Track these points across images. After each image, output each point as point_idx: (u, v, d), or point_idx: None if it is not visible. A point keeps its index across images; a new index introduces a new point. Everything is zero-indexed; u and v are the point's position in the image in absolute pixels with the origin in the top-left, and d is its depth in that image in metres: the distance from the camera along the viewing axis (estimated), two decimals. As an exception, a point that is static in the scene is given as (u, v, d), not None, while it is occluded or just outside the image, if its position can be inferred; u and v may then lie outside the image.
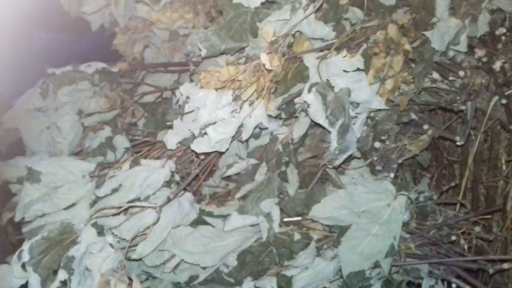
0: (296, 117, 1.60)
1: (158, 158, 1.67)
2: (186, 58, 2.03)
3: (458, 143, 1.63)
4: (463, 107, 1.55)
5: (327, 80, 1.36)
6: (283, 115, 1.62)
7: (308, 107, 1.31)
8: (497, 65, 1.56)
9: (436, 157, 2.15)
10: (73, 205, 1.61)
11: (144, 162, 1.53)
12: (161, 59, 2.15)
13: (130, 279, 1.41)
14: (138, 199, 1.54)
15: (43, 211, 1.59)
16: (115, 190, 1.54)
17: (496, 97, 1.60)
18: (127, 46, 2.22)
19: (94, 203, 1.56)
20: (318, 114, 1.31)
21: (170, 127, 1.45)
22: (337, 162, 1.41)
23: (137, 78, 2.04)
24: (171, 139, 1.43)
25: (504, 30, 1.53)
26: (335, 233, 1.60)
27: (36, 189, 1.60)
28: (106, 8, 2.13)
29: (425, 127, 1.62)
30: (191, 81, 1.71)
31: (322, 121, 1.32)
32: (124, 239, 1.50)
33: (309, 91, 1.31)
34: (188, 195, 1.61)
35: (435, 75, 1.57)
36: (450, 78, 1.59)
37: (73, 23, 2.52)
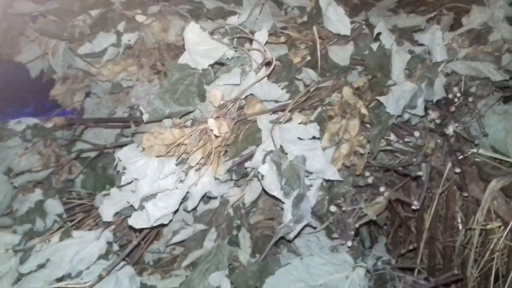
0: (248, 179, 1.50)
1: (95, 225, 1.51)
2: (130, 111, 1.89)
3: (414, 207, 1.57)
4: (419, 173, 1.50)
5: (281, 146, 1.26)
6: (234, 177, 1.51)
7: (262, 178, 1.20)
8: (450, 129, 1.53)
9: (391, 212, 2.10)
10: (-6, 283, 1.40)
11: (76, 234, 1.36)
12: (103, 111, 2.00)
13: None
14: (69, 275, 1.36)
15: (-41, 291, 1.37)
16: (41, 266, 1.36)
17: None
18: (66, 96, 2.05)
19: (17, 280, 1.37)
20: (273, 185, 1.21)
21: (107, 195, 1.30)
22: (292, 235, 1.30)
23: (76, 131, 1.87)
24: (107, 210, 1.28)
25: (458, 94, 1.51)
26: (291, 306, 1.48)
27: (-49, 266, 1.39)
28: (43, 58, 1.98)
29: (382, 189, 1.55)
30: (133, 138, 1.57)
31: (276, 193, 1.22)
32: (53, 320, 1.32)
33: (263, 161, 1.20)
34: (128, 269, 1.44)
35: (391, 136, 1.51)
36: (406, 139, 1.54)
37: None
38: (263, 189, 1.52)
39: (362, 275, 1.40)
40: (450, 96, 1.49)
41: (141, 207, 1.19)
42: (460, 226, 1.77)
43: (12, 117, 1.83)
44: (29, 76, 2.21)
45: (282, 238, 1.61)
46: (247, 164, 1.36)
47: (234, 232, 1.59)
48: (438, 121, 1.51)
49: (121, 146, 1.78)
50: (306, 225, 1.46)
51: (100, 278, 1.27)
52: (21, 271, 1.33)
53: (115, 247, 1.48)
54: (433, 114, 1.46)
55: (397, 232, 2.16)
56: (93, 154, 1.93)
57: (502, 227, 1.43)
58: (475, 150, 1.53)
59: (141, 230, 1.50)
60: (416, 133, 1.53)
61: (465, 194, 1.47)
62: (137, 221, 1.21)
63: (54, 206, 1.56)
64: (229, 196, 1.56)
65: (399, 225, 2.11)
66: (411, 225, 2.06)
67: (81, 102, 2.09)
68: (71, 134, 1.86)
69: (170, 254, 1.70)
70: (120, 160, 1.28)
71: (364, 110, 1.34)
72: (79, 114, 2.14)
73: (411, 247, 1.71)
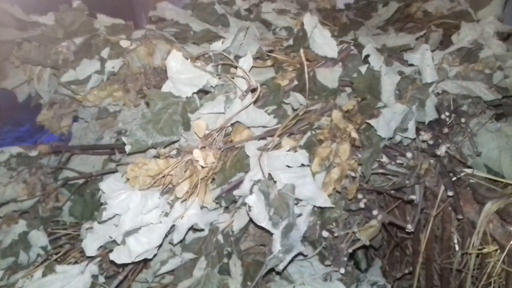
0: (236, 206, 1.46)
1: (81, 256, 1.47)
2: (117, 136, 1.85)
3: (407, 230, 1.53)
4: (412, 197, 1.46)
5: (269, 174, 1.23)
6: (223, 203, 1.47)
7: (250, 209, 1.16)
8: (442, 150, 1.50)
9: (387, 232, 2.05)
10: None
11: (60, 269, 1.31)
12: (90, 136, 1.96)
13: None
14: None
15: None
16: (24, 304, 1.31)
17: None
18: (52, 121, 2.02)
19: (-1, 319, 1.32)
20: (261, 216, 1.17)
21: (90, 229, 1.26)
22: (281, 266, 1.26)
23: (62, 159, 1.83)
24: (90, 244, 1.24)
25: (449, 114, 1.48)
26: (285, 338, 1.44)
27: None
28: (28, 84, 1.95)
29: (375, 212, 1.52)
30: (117, 167, 1.53)
31: (265, 223, 1.18)
32: None
33: (251, 191, 1.17)
34: (114, 304, 1.40)
35: (383, 158, 1.48)
36: (398, 161, 1.50)
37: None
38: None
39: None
40: (442, 116, 1.45)
41: (124, 242, 1.15)
42: (457, 247, 1.73)
43: (8, 135, 1.79)
44: None
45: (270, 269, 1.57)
46: (235, 192, 1.32)
47: (225, 260, 1.55)
48: (430, 142, 1.48)
49: (108, 173, 1.74)
50: (297, 254, 1.42)
51: (84, 317, 1.22)
52: (2, 310, 1.28)
53: (101, 279, 1.43)
54: (426, 136, 1.43)
55: (393, 253, 2.12)
56: (81, 180, 1.88)
57: (498, 251, 1.39)
58: (469, 171, 1.49)
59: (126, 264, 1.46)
60: (409, 154, 1.50)
61: (460, 217, 1.43)
62: (119, 256, 1.16)
63: (39, 238, 1.52)
64: (218, 223, 1.52)
65: (395, 246, 2.06)
66: (407, 246, 2.01)
67: (68, 127, 2.05)
68: (57, 161, 1.81)
69: (159, 283, 1.65)
70: (104, 192, 1.24)
71: (354, 134, 1.31)
72: (66, 138, 2.10)
73: (406, 271, 1.66)
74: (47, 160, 1.82)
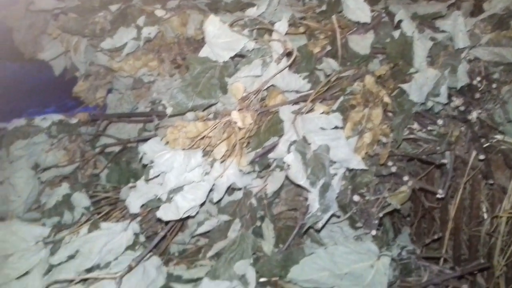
0: (270, 170, 1.50)
1: (121, 217, 1.54)
2: (152, 106, 1.91)
3: (438, 196, 1.56)
4: (444, 161, 1.48)
5: (304, 136, 1.27)
6: (256, 168, 1.52)
7: (288, 167, 1.21)
8: (473, 116, 1.51)
9: (415, 202, 2.08)
10: (25, 274, 1.44)
11: (104, 226, 1.38)
12: (125, 106, 2.03)
13: None
14: (98, 266, 1.39)
15: (-8, 282, 1.42)
16: (71, 257, 1.39)
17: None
18: (88, 93, 2.09)
19: (48, 271, 1.41)
20: (299, 175, 1.21)
21: (134, 187, 1.32)
22: (320, 224, 1.30)
23: (100, 127, 1.90)
24: (133, 202, 1.30)
25: (481, 80, 1.49)
26: (316, 296, 1.49)
27: (-17, 259, 1.43)
28: (65, 55, 2.01)
29: (405, 178, 1.55)
30: (156, 132, 1.59)
31: (303, 182, 1.22)
32: (82, 311, 1.35)
33: (288, 151, 1.21)
34: (155, 260, 1.46)
35: (414, 125, 1.50)
36: (429, 127, 1.52)
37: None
38: (287, 179, 1.53)
39: (387, 264, 1.40)
40: (474, 82, 1.46)
41: (169, 200, 1.21)
42: (486, 216, 1.75)
43: (33, 117, 1.87)
44: (50, 76, 2.25)
45: (306, 228, 1.62)
46: (270, 155, 1.37)
47: (258, 223, 1.60)
48: (461, 108, 1.49)
49: (144, 140, 1.80)
50: (331, 216, 1.46)
51: (130, 268, 1.30)
52: (51, 262, 1.36)
53: (142, 238, 1.50)
54: (457, 101, 1.45)
55: (420, 223, 2.14)
56: (117, 149, 1.95)
57: (529, 215, 1.42)
58: (500, 137, 1.50)
59: (167, 222, 1.52)
60: (439, 121, 1.52)
61: (491, 182, 1.46)
62: (166, 213, 1.22)
63: (81, 199, 1.59)
64: (252, 187, 1.57)
65: (422, 215, 2.09)
66: (435, 215, 2.04)
67: (103, 98, 2.12)
68: (95, 130, 1.89)
69: (195, 245, 1.72)
70: (145, 154, 1.30)
71: (387, 99, 1.33)
72: (101, 110, 2.17)
73: (435, 237, 1.69)
74: (85, 129, 1.89)
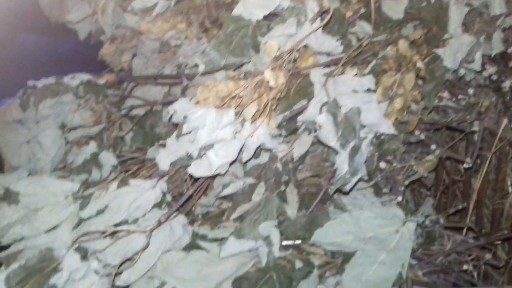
0: (298, 134, 1.51)
1: (148, 177, 1.56)
2: (177, 70, 1.92)
3: (466, 166, 1.55)
4: (475, 128, 1.47)
5: (334, 99, 1.26)
6: (283, 133, 1.52)
7: (320, 128, 1.21)
8: (506, 84, 1.49)
9: (437, 175, 2.07)
10: (54, 228, 1.48)
11: (133, 182, 1.41)
12: (150, 70, 2.03)
13: (117, 309, 1.29)
14: (126, 222, 1.42)
15: (22, 235, 1.45)
16: (100, 212, 1.42)
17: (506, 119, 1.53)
18: (114, 56, 2.10)
19: (77, 225, 1.44)
20: (330, 136, 1.21)
21: (162, 144, 1.33)
22: (348, 187, 1.31)
23: (125, 90, 1.92)
24: (164, 159, 1.32)
25: (516, 48, 1.46)
26: (338, 259, 1.50)
27: (14, 211, 1.46)
28: (92, 16, 2.01)
29: (433, 147, 1.54)
30: (183, 94, 1.60)
31: (333, 143, 1.22)
32: (109, 265, 1.39)
33: (320, 111, 1.21)
34: (181, 218, 1.49)
35: (444, 93, 1.48)
36: (459, 96, 1.51)
37: (59, 25, 2.39)
38: (313, 144, 1.54)
39: (413, 230, 1.40)
40: (508, 51, 1.44)
41: (200, 157, 1.22)
42: (510, 189, 1.75)
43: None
44: (70, 49, 2.27)
45: (333, 192, 1.63)
46: (299, 118, 1.37)
47: (282, 188, 1.61)
48: (494, 77, 1.47)
49: (170, 102, 1.81)
50: (358, 181, 1.46)
51: (159, 223, 1.32)
52: (81, 216, 1.40)
53: (168, 197, 1.52)
54: (491, 69, 1.43)
55: (441, 198, 2.14)
56: (141, 112, 1.97)
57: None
58: (532, 108, 1.49)
59: (193, 182, 1.54)
60: (470, 91, 1.50)
61: (521, 151, 1.44)
62: (197, 169, 1.24)
63: (109, 158, 1.62)
64: (278, 152, 1.58)
65: (445, 188, 2.08)
66: (457, 189, 2.03)
67: (128, 62, 2.13)
68: (121, 92, 1.90)
69: (218, 208, 1.74)
70: (176, 112, 1.31)
71: (420, 64, 1.32)
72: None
73: (460, 207, 1.69)
74: (112, 91, 1.90)
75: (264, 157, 1.58)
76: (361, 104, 1.25)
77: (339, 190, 1.48)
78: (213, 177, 1.58)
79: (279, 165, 1.57)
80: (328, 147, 1.26)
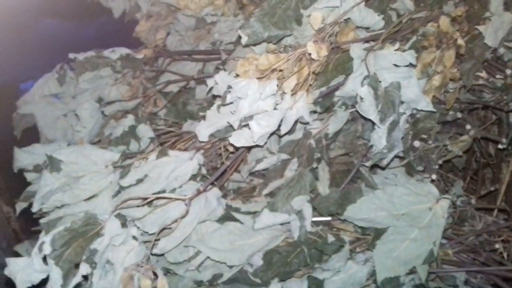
0: (333, 111, 1.52)
1: (185, 149, 1.59)
2: (212, 47, 1.94)
3: (501, 146, 1.55)
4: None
5: (374, 73, 1.27)
6: (318, 109, 1.54)
7: (361, 100, 1.22)
8: (545, 65, 1.48)
9: (468, 159, 2.07)
10: (94, 196, 1.52)
11: (172, 153, 1.44)
12: (184, 48, 2.06)
13: (155, 274, 1.33)
14: (164, 192, 1.46)
15: (63, 202, 1.50)
16: (140, 181, 1.46)
17: (543, 100, 1.52)
18: (149, 34, 2.13)
19: (117, 194, 1.48)
20: (371, 109, 1.22)
21: (195, 118, 1.36)
22: (385, 162, 1.32)
23: (161, 66, 1.95)
24: (203, 130, 1.35)
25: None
26: (368, 236, 1.52)
27: (56, 179, 1.51)
28: (129, -6, 2.05)
29: (468, 127, 1.54)
30: (223, 70, 1.62)
31: (373, 117, 1.23)
32: (147, 233, 1.43)
33: (362, 84, 1.22)
34: (216, 191, 1.53)
35: (482, 73, 1.48)
36: (497, 76, 1.50)
37: (82, 9, 2.44)
38: (351, 119, 1.55)
39: (446, 208, 1.41)
40: (550, 30, 1.43)
41: (241, 127, 1.25)
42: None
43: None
44: (90, 34, 2.29)
45: (359, 173, 1.64)
46: (337, 93, 1.39)
47: (314, 165, 1.63)
48: (534, 58, 1.46)
49: (205, 78, 1.84)
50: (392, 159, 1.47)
51: (198, 192, 1.36)
52: (121, 184, 1.44)
53: (203, 170, 1.56)
54: (532, 48, 1.42)
55: (470, 183, 2.13)
56: (175, 89, 2.00)
57: None
58: None
59: (227, 156, 1.58)
60: (508, 71, 1.49)
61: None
62: (238, 139, 1.26)
63: (146, 131, 1.65)
64: (312, 128, 1.60)
65: (474, 172, 2.08)
66: (486, 173, 2.03)
67: (163, 39, 2.16)
68: (157, 67, 1.93)
69: (249, 184, 1.78)
70: (217, 84, 1.34)
71: (460, 41, 1.32)
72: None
73: (492, 189, 1.69)
74: (148, 67, 1.94)
75: (298, 134, 1.60)
76: (401, 79, 1.26)
77: (373, 167, 1.49)
78: (248, 150, 1.61)
79: (312, 142, 1.59)
80: (367, 120, 1.27)
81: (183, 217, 1.35)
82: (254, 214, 1.56)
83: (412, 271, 1.46)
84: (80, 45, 1.96)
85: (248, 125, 1.23)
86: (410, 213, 1.43)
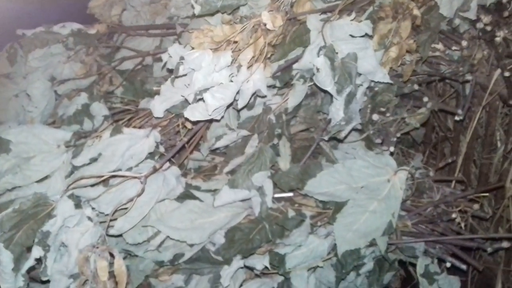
0: (292, 85, 1.50)
1: (141, 127, 1.55)
2: (169, 22, 1.88)
3: (457, 118, 1.57)
4: (469, 77, 1.48)
5: (331, 44, 1.25)
6: (277, 84, 1.52)
7: (318, 71, 1.20)
8: (500, 35, 1.50)
9: (426, 132, 2.10)
10: (47, 177, 1.47)
11: (127, 131, 1.40)
12: (141, 23, 1.99)
13: (111, 255, 1.29)
14: (119, 171, 1.42)
15: (14, 184, 1.44)
16: (93, 160, 1.41)
17: (498, 71, 1.55)
18: (103, 9, 2.05)
19: (70, 174, 1.43)
20: (327, 80, 1.20)
21: (157, 92, 1.32)
22: (343, 134, 1.31)
23: (116, 42, 1.88)
24: (158, 106, 1.31)
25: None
26: (329, 210, 1.53)
27: (5, 160, 1.45)
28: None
29: (425, 99, 1.55)
30: (180, 39, 1.57)
31: (330, 88, 1.22)
32: (103, 213, 1.39)
33: (318, 54, 1.20)
34: (174, 169, 1.49)
35: (439, 44, 1.49)
36: (453, 48, 1.51)
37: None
38: (307, 96, 1.54)
39: (404, 179, 1.43)
40: (504, 0, 1.44)
41: (196, 100, 1.21)
42: (499, 144, 1.78)
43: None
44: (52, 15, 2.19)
45: (320, 148, 1.63)
46: (295, 66, 1.36)
47: (275, 141, 1.61)
48: (488, 28, 1.47)
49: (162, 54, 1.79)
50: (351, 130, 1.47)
51: (154, 170, 1.32)
52: (74, 163, 1.39)
53: (161, 148, 1.52)
54: (485, 19, 1.43)
55: (429, 157, 2.17)
56: (132, 66, 1.94)
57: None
58: (524, 59, 1.50)
59: (186, 132, 1.54)
60: (464, 42, 1.50)
61: (511, 102, 1.46)
62: (193, 113, 1.23)
63: (100, 109, 1.60)
64: (271, 104, 1.58)
65: (433, 146, 2.11)
66: (445, 147, 2.06)
67: (118, 15, 2.08)
68: (113, 43, 1.86)
69: (210, 163, 1.75)
70: (171, 57, 1.29)
71: (416, 11, 1.31)
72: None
73: (449, 160, 1.72)
74: (102, 44, 1.87)
75: (258, 109, 1.57)
76: (357, 50, 1.25)
77: (332, 139, 1.49)
78: (207, 127, 1.57)
79: (272, 117, 1.57)
80: (325, 92, 1.26)
81: (139, 195, 1.31)
82: (215, 192, 1.53)
83: (372, 243, 1.47)
84: (32, 23, 1.87)
85: (203, 98, 1.19)
86: (369, 185, 1.43)
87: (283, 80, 1.50)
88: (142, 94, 1.97)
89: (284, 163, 1.60)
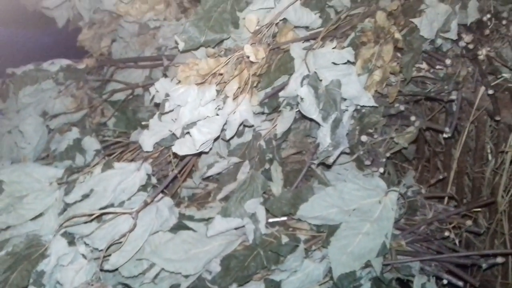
0: (280, 111, 1.52)
1: (132, 160, 1.56)
2: (158, 53, 1.91)
3: (445, 135, 1.58)
4: (453, 97, 1.50)
5: (315, 72, 1.27)
6: (265, 110, 1.53)
7: (302, 100, 1.21)
8: (482, 53, 1.52)
9: (419, 147, 2.11)
10: (40, 215, 1.47)
11: (118, 165, 1.40)
12: (130, 54, 2.02)
13: (106, 292, 1.30)
14: (112, 206, 1.42)
15: (7, 224, 1.44)
16: (86, 196, 1.42)
17: (483, 87, 1.56)
18: (93, 42, 2.08)
19: (63, 211, 1.44)
20: (312, 108, 1.22)
21: (145, 127, 1.33)
22: (331, 159, 1.32)
23: (106, 75, 1.90)
24: (147, 140, 1.32)
25: (490, 17, 1.49)
26: (323, 233, 1.53)
27: (-1, 200, 1.46)
28: (70, 1, 1.99)
29: (412, 118, 1.57)
30: (165, 76, 1.59)
31: (315, 116, 1.23)
32: (97, 249, 1.39)
33: (302, 84, 1.22)
34: (167, 200, 1.50)
35: (423, 64, 1.51)
36: (437, 67, 1.53)
37: (32, 17, 2.36)
38: (296, 121, 1.55)
39: (395, 200, 1.43)
40: (484, 19, 1.46)
41: (183, 135, 1.22)
42: (490, 157, 1.78)
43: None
44: (51, 38, 2.21)
45: (317, 164, 1.64)
46: (281, 93, 1.38)
47: (267, 166, 1.62)
48: (470, 46, 1.49)
49: (152, 85, 1.81)
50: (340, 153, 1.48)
51: (146, 204, 1.33)
52: (66, 201, 1.39)
53: (154, 180, 1.53)
54: (467, 38, 1.45)
55: (423, 170, 2.18)
56: (123, 97, 1.96)
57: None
58: (508, 75, 1.52)
59: (177, 163, 1.55)
60: (448, 61, 1.52)
61: (497, 119, 1.47)
62: (181, 147, 1.24)
63: (92, 143, 1.61)
64: (261, 130, 1.59)
65: (426, 161, 2.12)
66: (437, 162, 2.07)
67: (108, 47, 2.11)
68: (102, 77, 1.88)
69: (204, 190, 1.75)
70: (157, 92, 1.31)
71: (397, 35, 1.33)
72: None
73: (441, 177, 1.73)
74: (92, 76, 1.89)
75: (247, 136, 1.59)
76: (341, 77, 1.27)
77: (322, 164, 1.50)
78: (198, 156, 1.58)
79: (262, 143, 1.58)
80: (311, 120, 1.27)
81: (131, 230, 1.32)
82: (208, 220, 1.54)
83: (368, 265, 1.47)
84: (33, 55, 1.90)
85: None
86: (360, 208, 1.44)
87: (271, 106, 1.51)
88: (134, 124, 1.99)
89: (276, 187, 1.61)
